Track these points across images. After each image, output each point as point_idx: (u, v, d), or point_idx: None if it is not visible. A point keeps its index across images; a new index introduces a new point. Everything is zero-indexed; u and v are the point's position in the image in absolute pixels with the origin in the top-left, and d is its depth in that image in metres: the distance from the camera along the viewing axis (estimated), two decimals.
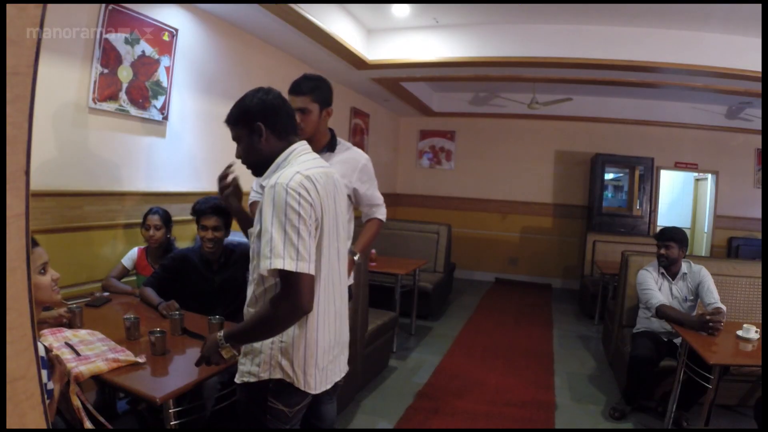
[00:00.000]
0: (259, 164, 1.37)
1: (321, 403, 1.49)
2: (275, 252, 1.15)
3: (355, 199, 2.10)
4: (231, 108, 1.37)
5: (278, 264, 1.15)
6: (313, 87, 1.88)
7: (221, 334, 1.29)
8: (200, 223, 2.30)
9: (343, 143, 2.08)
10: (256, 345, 1.29)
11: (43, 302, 1.40)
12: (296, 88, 1.90)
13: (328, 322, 1.33)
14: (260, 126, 1.32)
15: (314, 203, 1.22)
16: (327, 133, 2.03)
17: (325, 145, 2.02)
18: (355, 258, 2.01)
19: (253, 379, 1.28)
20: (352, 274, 2.22)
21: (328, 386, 1.36)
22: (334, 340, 1.36)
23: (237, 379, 1.34)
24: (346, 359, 1.48)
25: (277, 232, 1.16)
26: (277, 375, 1.27)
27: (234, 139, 1.39)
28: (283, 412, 1.29)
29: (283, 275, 1.17)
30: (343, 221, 1.42)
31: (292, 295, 1.17)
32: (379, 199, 2.17)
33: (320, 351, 1.30)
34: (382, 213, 2.19)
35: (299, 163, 1.30)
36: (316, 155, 1.41)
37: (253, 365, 1.28)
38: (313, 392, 1.30)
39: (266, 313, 1.22)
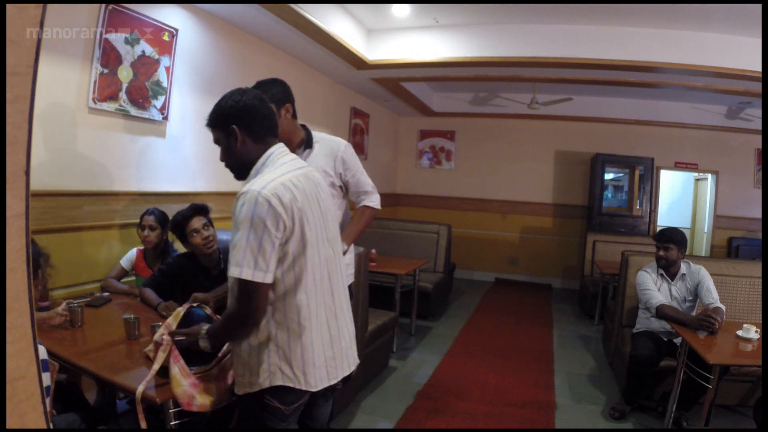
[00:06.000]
0: (239, 168, 1.37)
1: (315, 405, 1.47)
2: (235, 260, 1.18)
3: (345, 189, 2.06)
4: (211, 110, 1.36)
5: (235, 272, 1.18)
6: (264, 90, 1.84)
7: (206, 327, 1.37)
8: (189, 230, 2.22)
9: (318, 136, 2.04)
10: (255, 358, 1.28)
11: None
12: None
13: (321, 323, 1.33)
14: (235, 129, 1.31)
15: (286, 211, 1.21)
16: (300, 130, 2.00)
17: (302, 143, 1.99)
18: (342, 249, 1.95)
19: (255, 389, 1.29)
20: (352, 273, 2.21)
21: (331, 382, 1.36)
22: (329, 340, 1.35)
23: (238, 391, 1.34)
24: (351, 359, 1.45)
25: (241, 239, 1.18)
26: (278, 381, 1.27)
27: (215, 141, 1.39)
28: (279, 409, 1.30)
29: (241, 283, 1.20)
30: (331, 219, 1.41)
31: (245, 304, 1.21)
32: (368, 185, 2.10)
33: (317, 352, 1.31)
34: (372, 200, 2.10)
35: (276, 167, 1.30)
36: (294, 156, 1.39)
37: (253, 375, 1.29)
38: (313, 390, 1.30)
39: (228, 317, 1.28)
